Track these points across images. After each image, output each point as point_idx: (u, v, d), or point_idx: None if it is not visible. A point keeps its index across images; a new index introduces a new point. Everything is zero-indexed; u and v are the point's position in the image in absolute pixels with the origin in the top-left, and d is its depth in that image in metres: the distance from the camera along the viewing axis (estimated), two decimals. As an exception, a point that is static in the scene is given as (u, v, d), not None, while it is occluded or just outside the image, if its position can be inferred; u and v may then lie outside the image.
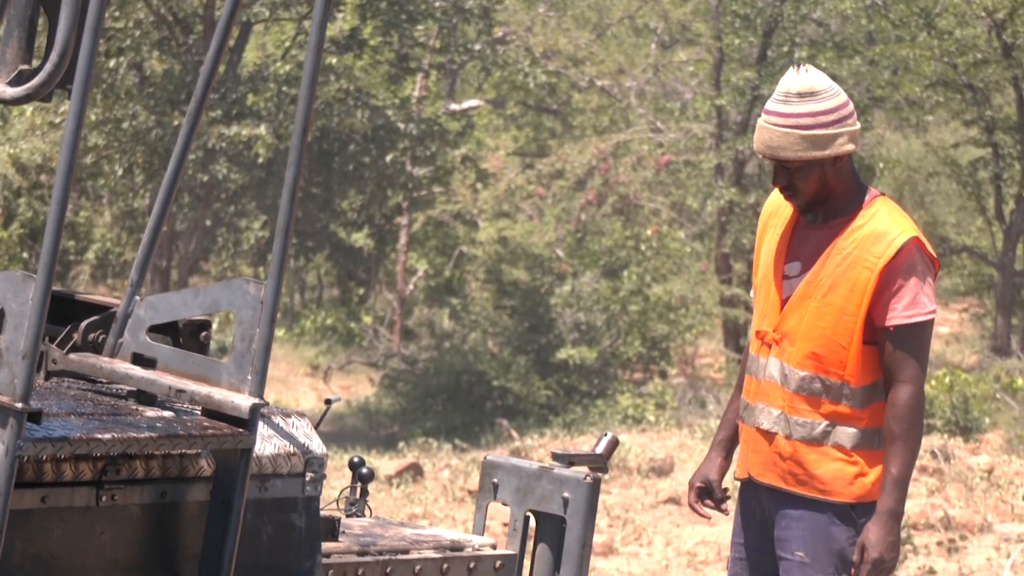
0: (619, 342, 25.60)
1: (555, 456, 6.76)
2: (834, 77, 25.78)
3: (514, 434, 21.66)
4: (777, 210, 6.72)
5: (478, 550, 6.58)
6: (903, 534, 15.34)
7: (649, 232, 26.84)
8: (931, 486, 18.36)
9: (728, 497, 6.78)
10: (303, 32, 26.45)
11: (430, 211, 28.43)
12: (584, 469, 6.61)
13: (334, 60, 26.23)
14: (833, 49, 28.73)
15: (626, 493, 17.98)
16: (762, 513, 6.58)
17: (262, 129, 24.76)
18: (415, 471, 20.59)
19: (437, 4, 27.14)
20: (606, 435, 6.75)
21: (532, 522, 6.72)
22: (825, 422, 6.33)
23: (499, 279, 26.91)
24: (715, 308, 27.48)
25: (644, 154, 28.00)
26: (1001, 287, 29.74)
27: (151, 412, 5.49)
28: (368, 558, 6.23)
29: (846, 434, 6.33)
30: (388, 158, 25.99)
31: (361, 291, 30.68)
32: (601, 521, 16.80)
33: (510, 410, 24.11)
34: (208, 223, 27.16)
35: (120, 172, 25.59)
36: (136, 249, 24.00)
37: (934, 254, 6.54)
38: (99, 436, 5.24)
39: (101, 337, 5.81)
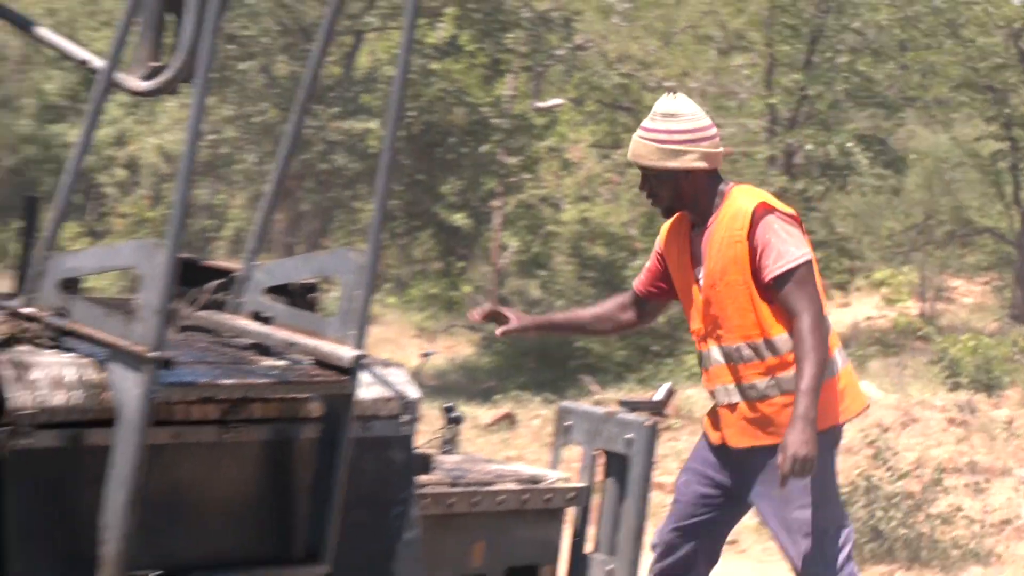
0: (683, 305, 25.60)
1: (620, 403, 6.80)
2: (870, 80, 25.68)
3: (594, 388, 21.57)
4: (675, 230, 6.97)
5: (553, 483, 6.59)
6: (936, 475, 15.39)
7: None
8: (958, 435, 18.22)
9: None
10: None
11: (520, 195, 28.42)
12: (644, 414, 6.63)
13: (436, 65, 26.25)
14: (870, 55, 28.58)
15: (692, 439, 17.88)
16: (735, 470, 6.69)
17: (374, 123, 24.74)
18: (509, 420, 20.58)
19: (525, 15, 27.10)
20: (664, 386, 6.81)
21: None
22: (767, 378, 6.54)
23: (580, 254, 26.90)
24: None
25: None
26: (1019, 263, 29.65)
27: (267, 362, 5.52)
28: (457, 489, 6.25)
29: (786, 379, 6.49)
30: (483, 149, 26.04)
31: (461, 264, 30.66)
32: (672, 463, 16.78)
33: (591, 367, 24.08)
34: (328, 205, 27.12)
35: (251, 160, 25.59)
36: (247, 221, 23.98)
37: (786, 209, 6.78)
38: (222, 382, 5.27)
39: (225, 297, 5.84)
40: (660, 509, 15.57)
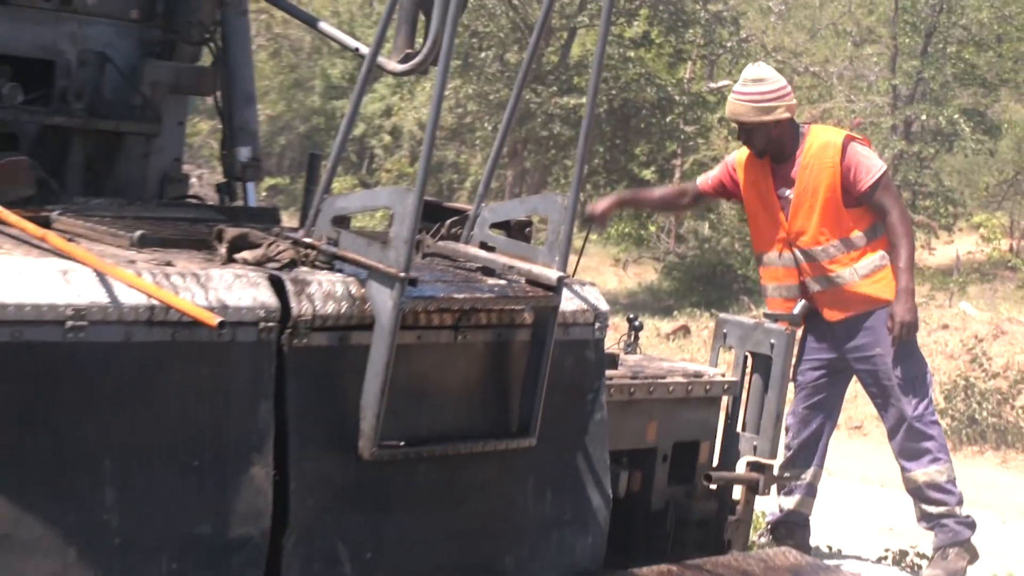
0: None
1: (766, 315, 6.77)
2: (973, 66, 25.33)
3: (752, 306, 21.44)
4: (752, 161, 7.24)
5: (712, 377, 6.55)
6: (1020, 376, 15.14)
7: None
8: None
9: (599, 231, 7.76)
10: (613, 36, 26.36)
11: (695, 155, 28.23)
12: (784, 324, 6.57)
13: (632, 53, 26.18)
14: (973, 45, 28.26)
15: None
16: (836, 339, 6.89)
17: (583, 100, 24.76)
18: (684, 331, 20.53)
19: (702, 15, 27.04)
20: (801, 302, 6.82)
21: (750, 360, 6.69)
22: (850, 267, 6.90)
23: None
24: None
25: (842, 118, 27.70)
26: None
27: (491, 281, 5.50)
28: (637, 380, 6.23)
29: (870, 263, 6.83)
30: (667, 119, 26.02)
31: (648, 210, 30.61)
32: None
33: (749, 290, 23.90)
34: (547, 164, 27.15)
35: (488, 129, 25.72)
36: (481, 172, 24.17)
37: (859, 136, 7.28)
38: (455, 296, 5.27)
39: (459, 231, 5.84)
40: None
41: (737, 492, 6.65)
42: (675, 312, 23.11)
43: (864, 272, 7.02)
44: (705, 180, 7.57)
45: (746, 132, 7.09)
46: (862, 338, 7.06)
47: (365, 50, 5.51)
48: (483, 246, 5.72)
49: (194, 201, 6.63)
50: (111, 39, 6.42)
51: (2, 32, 6.11)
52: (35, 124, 6.14)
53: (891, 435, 7.19)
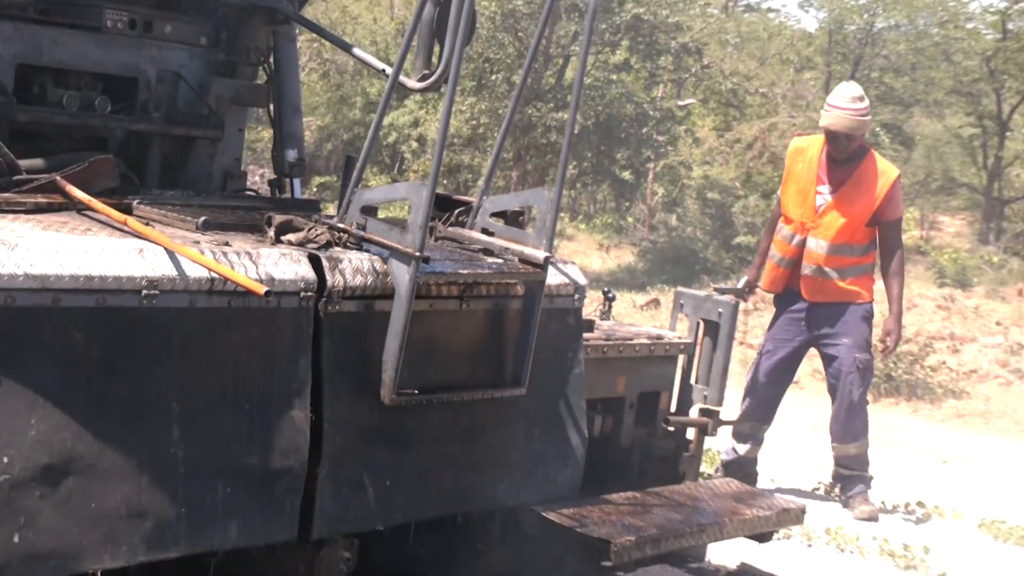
0: (768, 233, 25.35)
1: (715, 289, 6.74)
2: (892, 88, 25.21)
3: (710, 283, 21.41)
4: (802, 150, 7.13)
5: (671, 339, 6.52)
6: (928, 341, 15.15)
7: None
8: (943, 316, 17.91)
9: (755, 292, 7.57)
10: (598, 62, 26.29)
11: (666, 160, 28.16)
12: (730, 296, 6.54)
13: (614, 76, 26.06)
14: (892, 72, 28.26)
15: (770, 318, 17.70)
16: (812, 319, 6.87)
17: (577, 116, 24.69)
18: (655, 303, 20.47)
19: (672, 45, 26.91)
20: (743, 278, 6.77)
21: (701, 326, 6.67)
22: (845, 267, 6.70)
23: (704, 198, 26.66)
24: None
25: (785, 130, 27.59)
26: (985, 206, 29.26)
27: (490, 259, 5.46)
28: (610, 342, 6.20)
29: (858, 270, 6.68)
30: (643, 130, 25.82)
31: (627, 203, 30.51)
32: (759, 332, 16.58)
33: (709, 270, 23.84)
34: (544, 166, 27.05)
35: (497, 138, 25.63)
36: (495, 180, 23.89)
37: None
38: (461, 271, 5.23)
39: (465, 219, 5.81)
40: (737, 361, 15.43)
41: (690, 433, 6.62)
42: (648, 288, 23.06)
43: (849, 276, 6.98)
44: (782, 188, 7.53)
45: (841, 141, 6.92)
46: (836, 327, 7.07)
47: (389, 70, 5.47)
48: (484, 231, 5.69)
49: (250, 194, 6.61)
50: (184, 60, 6.39)
51: (95, 54, 6.09)
52: (121, 130, 6.12)
53: (836, 410, 7.18)
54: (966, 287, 21.40)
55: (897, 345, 7.02)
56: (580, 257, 27.81)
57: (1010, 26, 28.12)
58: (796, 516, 6.30)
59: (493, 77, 26.83)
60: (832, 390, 7.17)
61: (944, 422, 13.26)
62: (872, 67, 28.50)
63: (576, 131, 25.12)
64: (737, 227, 25.14)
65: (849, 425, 7.09)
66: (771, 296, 7.67)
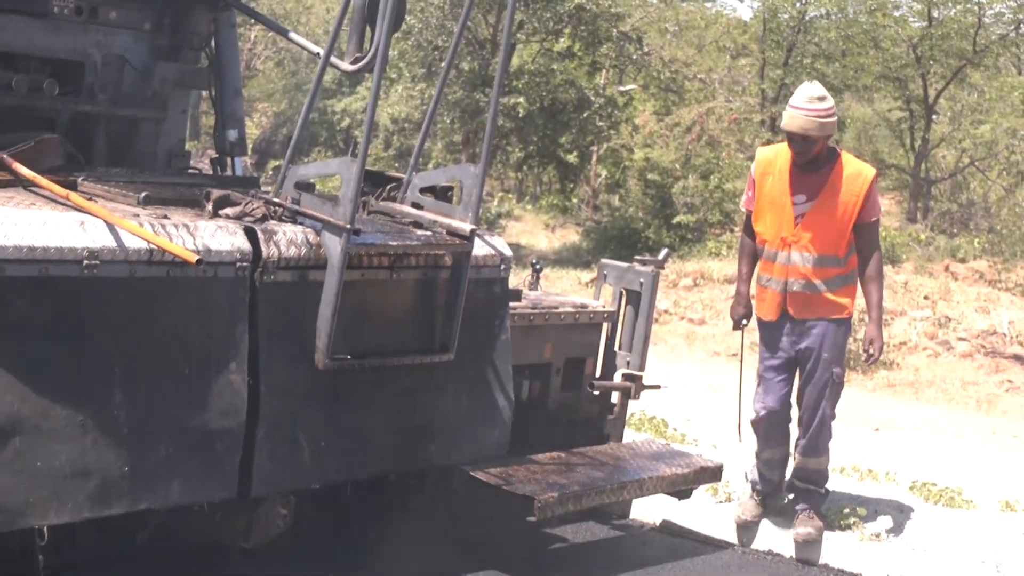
0: (707, 213, 25.37)
1: (635, 260, 6.73)
2: (823, 74, 25.36)
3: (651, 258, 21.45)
4: (770, 162, 6.42)
5: (596, 308, 6.59)
6: (859, 315, 15.24)
7: (724, 155, 26.49)
8: (872, 291, 18.03)
9: (747, 324, 6.73)
10: (543, 49, 26.35)
11: (608, 143, 28.21)
12: (651, 267, 6.59)
13: (557, 64, 26.09)
14: (824, 58, 28.35)
15: (711, 293, 17.72)
16: (795, 335, 6.36)
17: (521, 99, 24.64)
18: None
19: (614, 33, 26.94)
20: (664, 250, 6.72)
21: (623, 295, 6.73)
22: (832, 278, 6.20)
23: (645, 179, 26.58)
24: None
25: (722, 114, 27.67)
26: (912, 187, 29.41)
27: (420, 232, 5.52)
28: (536, 310, 6.26)
29: (842, 280, 6.25)
30: (585, 115, 25.83)
31: (571, 185, 30.45)
32: (698, 307, 16.74)
33: (651, 248, 23.78)
34: (493, 148, 26.98)
35: (447, 121, 25.54)
36: (445, 162, 23.89)
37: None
38: (391, 243, 5.31)
39: (396, 194, 5.88)
40: (680, 335, 15.49)
41: (615, 397, 6.71)
42: (592, 265, 23.10)
43: (834, 287, 6.28)
44: (747, 200, 6.64)
45: (805, 144, 6.19)
46: (814, 341, 6.30)
47: (321, 52, 5.52)
48: (414, 205, 5.75)
49: (193, 172, 6.66)
50: (129, 45, 6.43)
51: (43, 40, 6.11)
52: (68, 111, 6.15)
53: (803, 423, 6.53)
54: (895, 263, 21.51)
55: (881, 352, 6.44)
56: (527, 237, 27.88)
57: (935, 14, 28.27)
58: (714, 473, 6.42)
59: (443, 64, 26.79)
60: (801, 401, 6.52)
61: (876, 392, 13.35)
62: (805, 54, 28.49)
63: (521, 115, 25.32)
64: (677, 207, 25.14)
65: (816, 439, 6.49)
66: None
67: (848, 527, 7.29)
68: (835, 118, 6.28)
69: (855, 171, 6.28)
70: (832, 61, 28.76)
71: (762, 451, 6.62)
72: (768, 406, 6.50)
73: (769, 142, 28.32)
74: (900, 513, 7.72)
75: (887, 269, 20.18)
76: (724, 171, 25.82)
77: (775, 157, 6.44)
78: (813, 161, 6.27)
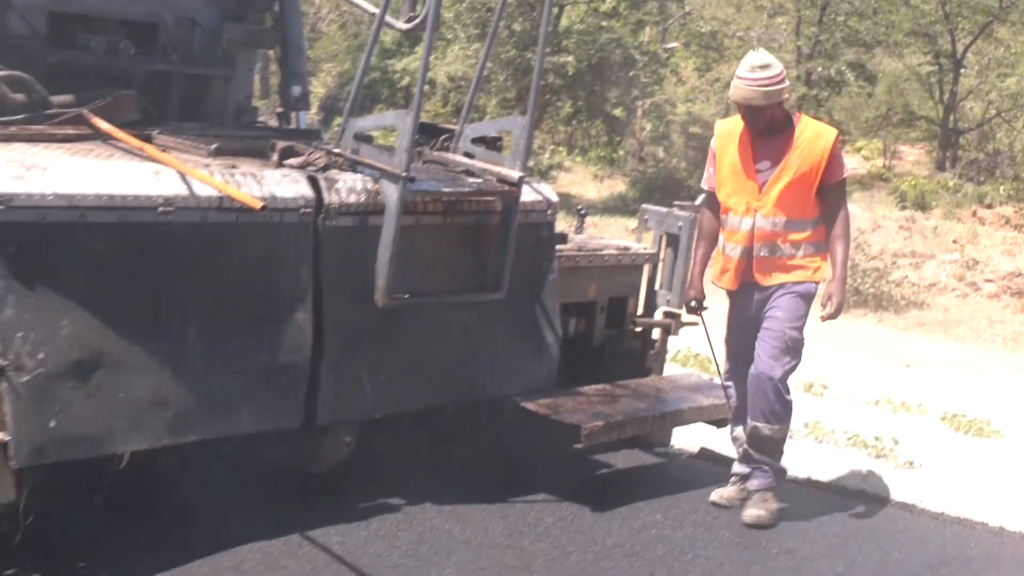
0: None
1: (674, 205, 6.71)
2: (856, 31, 25.02)
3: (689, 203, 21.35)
4: (729, 134, 5.94)
5: (637, 250, 6.60)
6: (891, 258, 15.19)
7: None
8: (904, 235, 17.92)
9: (706, 307, 6.10)
10: (590, 10, 26.17)
11: (652, 98, 28.02)
12: (689, 211, 6.56)
13: (604, 23, 25.91)
14: (856, 16, 28.07)
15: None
16: (760, 300, 5.82)
17: (570, 57, 24.52)
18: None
19: (658, -6, 26.77)
20: (701, 196, 6.55)
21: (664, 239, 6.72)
22: (801, 242, 5.75)
23: (686, 132, 26.53)
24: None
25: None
26: (941, 137, 29.15)
27: (471, 179, 5.54)
28: (582, 252, 6.27)
29: (812, 246, 5.78)
30: (631, 72, 25.69)
31: (618, 138, 30.33)
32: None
33: (692, 196, 23.65)
34: (542, 104, 26.87)
35: (500, 79, 25.45)
36: (498, 117, 23.80)
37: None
38: (444, 189, 5.34)
39: (449, 144, 5.89)
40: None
41: (655, 333, 6.72)
42: (638, 213, 23.03)
43: (802, 252, 5.78)
44: (708, 178, 6.14)
45: (752, 112, 5.72)
46: (774, 301, 5.95)
47: (376, 11, 5.52)
48: (466, 155, 5.76)
49: (259, 125, 6.69)
50: (198, 7, 6.44)
51: (119, 2, 6.14)
52: (143, 70, 6.18)
53: (753, 386, 5.86)
54: (925, 210, 21.39)
55: (839, 311, 5.86)
56: (577, 187, 27.75)
57: (963, -29, 28.08)
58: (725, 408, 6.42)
59: (501, 25, 26.70)
60: (756, 361, 5.88)
61: (907, 330, 13.30)
62: (838, 12, 28.21)
63: (570, 73, 25.20)
64: (717, 158, 25.15)
65: (770, 404, 5.80)
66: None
67: (882, 455, 7.30)
68: (781, 85, 5.73)
69: (816, 132, 5.84)
70: (864, 18, 28.44)
71: (733, 430, 6.10)
72: (734, 368, 6.03)
73: (804, 97, 28.27)
74: (931, 442, 7.72)
75: (917, 215, 20.09)
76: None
77: (733, 128, 5.98)
78: (769, 128, 5.82)
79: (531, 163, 24.73)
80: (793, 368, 5.82)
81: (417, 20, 5.77)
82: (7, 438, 4.12)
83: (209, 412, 4.65)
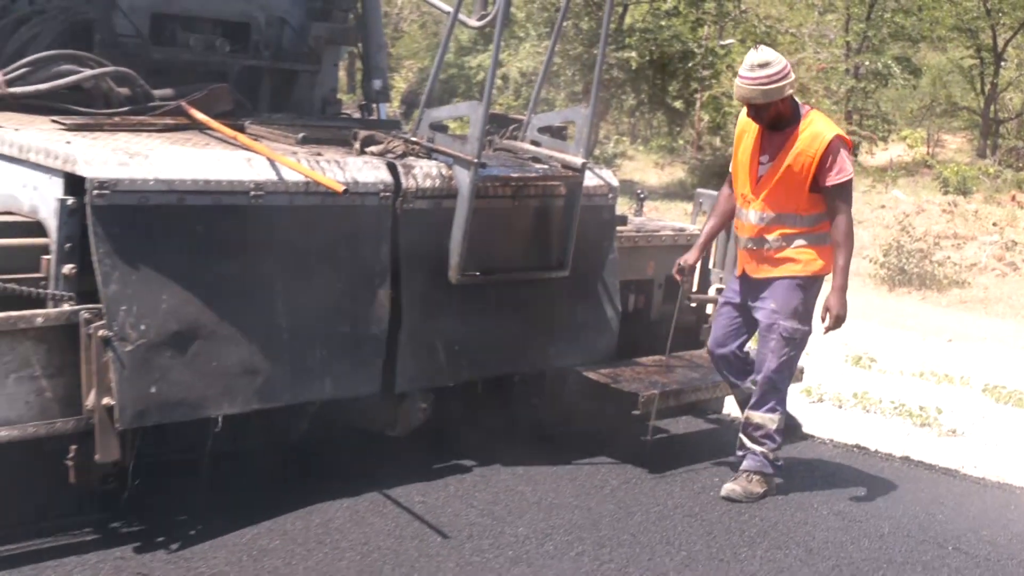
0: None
1: None
2: (902, 27, 24.63)
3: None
4: (747, 125, 5.59)
5: (692, 232, 6.53)
6: (935, 239, 14.99)
7: (812, 100, 25.96)
8: (947, 218, 17.66)
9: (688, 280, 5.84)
10: (652, 9, 25.97)
11: (710, 91, 27.80)
12: None
13: (664, 21, 25.72)
14: (902, 12, 27.66)
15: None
16: (750, 292, 5.54)
17: (633, 53, 24.39)
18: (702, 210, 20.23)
19: (715, -6, 26.48)
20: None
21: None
22: (790, 235, 5.38)
23: (742, 123, 26.28)
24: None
25: (811, 64, 27.10)
26: (982, 126, 28.71)
27: (538, 165, 5.51)
28: (641, 233, 6.25)
29: (804, 239, 5.39)
30: (690, 65, 25.52)
31: (678, 128, 30.05)
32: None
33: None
34: (606, 97, 26.70)
35: (569, 73, 25.36)
36: (564, 107, 23.68)
37: (848, 138, 5.57)
38: (513, 175, 5.33)
39: (517, 133, 5.87)
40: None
41: (709, 308, 6.65)
42: (694, 197, 22.88)
43: (792, 244, 5.43)
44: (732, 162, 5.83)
45: (755, 109, 5.44)
46: (767, 294, 5.30)
47: (450, 10, 5.51)
48: (533, 143, 5.74)
49: (343, 116, 6.71)
50: (287, 8, 6.48)
51: (215, 3, 6.19)
52: (237, 65, 6.22)
53: (755, 376, 5.58)
54: (967, 194, 21.07)
55: (838, 324, 5.44)
56: (639, 174, 27.64)
57: (1004, -29, 27.64)
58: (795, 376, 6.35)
59: (565, 24, 26.58)
60: (757, 354, 5.62)
61: (949, 307, 13.15)
62: (885, 9, 27.86)
63: (633, 67, 25.05)
64: (770, 147, 24.85)
65: (762, 394, 5.53)
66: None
67: (927, 424, 7.22)
68: (782, 82, 5.35)
69: (813, 133, 5.43)
70: (910, 15, 28.06)
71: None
72: (714, 341, 5.70)
73: (852, 89, 27.96)
74: (973, 412, 7.63)
75: (959, 199, 19.76)
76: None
77: (750, 120, 5.64)
78: (776, 123, 5.47)
79: (597, 151, 24.71)
80: (790, 359, 5.54)
81: (488, 18, 5.76)
82: (113, 402, 4.16)
83: (295, 379, 4.68)
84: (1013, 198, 20.68)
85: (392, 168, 4.98)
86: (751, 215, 5.52)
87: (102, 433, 4.16)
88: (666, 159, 30.20)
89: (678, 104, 27.59)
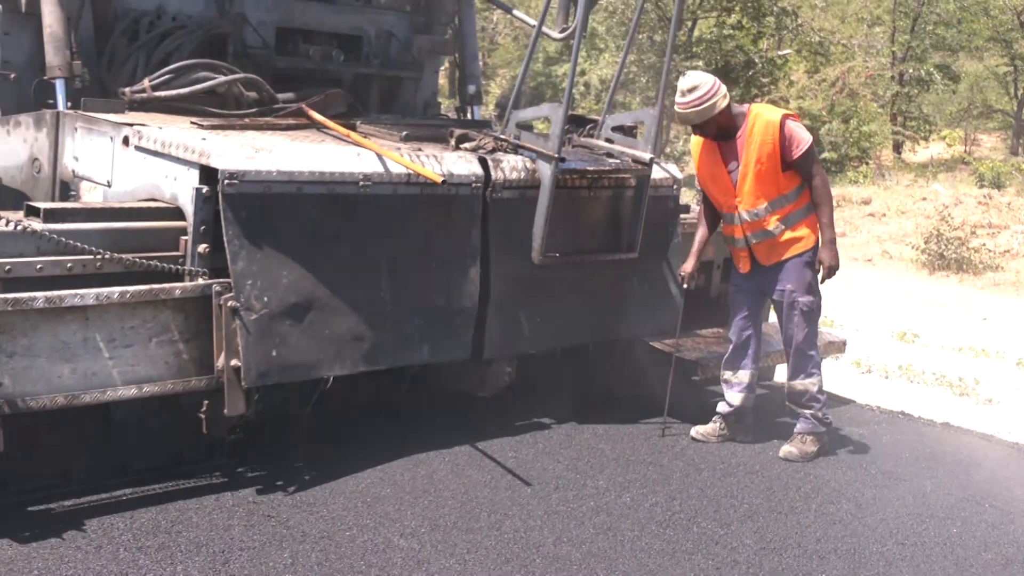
0: (847, 149, 24.52)
1: None
2: (943, 38, 24.03)
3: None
4: (699, 143, 5.40)
5: None
6: (972, 228, 14.61)
7: (861, 104, 25.50)
8: (983, 209, 17.21)
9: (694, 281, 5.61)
10: (718, 22, 25.61)
11: (769, 96, 27.37)
12: None
13: (728, 32, 25.35)
14: (943, 25, 27.04)
15: (849, 212, 17.25)
16: (762, 280, 5.35)
17: (700, 62, 24.05)
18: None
19: (774, 9, 25.99)
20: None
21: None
22: (787, 215, 5.21)
23: (800, 125, 25.91)
24: (888, 133, 26.72)
25: (860, 71, 26.57)
26: (1015, 127, 27.98)
27: (611, 160, 5.47)
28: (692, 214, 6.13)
29: (797, 215, 5.24)
30: (751, 73, 25.15)
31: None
32: (840, 221, 16.15)
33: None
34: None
35: (643, 81, 25.11)
36: (635, 108, 23.43)
37: (792, 113, 5.40)
38: (589, 168, 5.28)
39: (593, 131, 5.82)
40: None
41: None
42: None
43: (790, 224, 5.26)
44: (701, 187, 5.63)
45: (699, 128, 5.29)
46: (781, 276, 5.19)
47: (533, 23, 5.48)
48: (608, 140, 5.69)
49: (442, 117, 6.71)
50: (394, 22, 6.50)
51: (331, 19, 6.23)
52: (350, 73, 6.26)
53: (785, 349, 5.45)
54: (1000, 188, 20.50)
55: (831, 274, 5.30)
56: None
57: (1038, -14, 26.82)
58: (839, 347, 6.25)
59: (640, 36, 26.33)
60: (782, 331, 5.44)
61: (983, 289, 12.83)
62: (927, 21, 27.22)
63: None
64: (823, 145, 24.29)
65: (797, 364, 5.39)
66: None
67: (965, 394, 7.08)
68: (711, 100, 5.17)
69: (764, 122, 5.24)
70: (950, 27, 27.39)
71: (723, 372, 5.56)
72: (736, 340, 5.48)
73: (897, 94, 27.39)
74: (1007, 383, 7.46)
75: (993, 192, 19.24)
76: (861, 116, 24.91)
77: (701, 138, 5.46)
78: (723, 134, 5.31)
79: (667, 149, 24.47)
80: (812, 326, 5.39)
81: (568, 31, 5.71)
82: (239, 364, 4.21)
83: (396, 345, 4.71)
84: (1043, 191, 20.15)
85: (483, 162, 4.97)
86: (743, 215, 5.34)
87: (230, 390, 4.21)
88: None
89: (741, 108, 27.30)
